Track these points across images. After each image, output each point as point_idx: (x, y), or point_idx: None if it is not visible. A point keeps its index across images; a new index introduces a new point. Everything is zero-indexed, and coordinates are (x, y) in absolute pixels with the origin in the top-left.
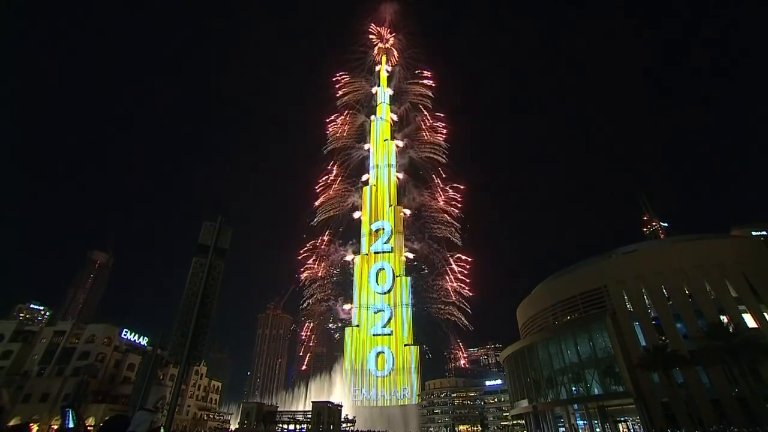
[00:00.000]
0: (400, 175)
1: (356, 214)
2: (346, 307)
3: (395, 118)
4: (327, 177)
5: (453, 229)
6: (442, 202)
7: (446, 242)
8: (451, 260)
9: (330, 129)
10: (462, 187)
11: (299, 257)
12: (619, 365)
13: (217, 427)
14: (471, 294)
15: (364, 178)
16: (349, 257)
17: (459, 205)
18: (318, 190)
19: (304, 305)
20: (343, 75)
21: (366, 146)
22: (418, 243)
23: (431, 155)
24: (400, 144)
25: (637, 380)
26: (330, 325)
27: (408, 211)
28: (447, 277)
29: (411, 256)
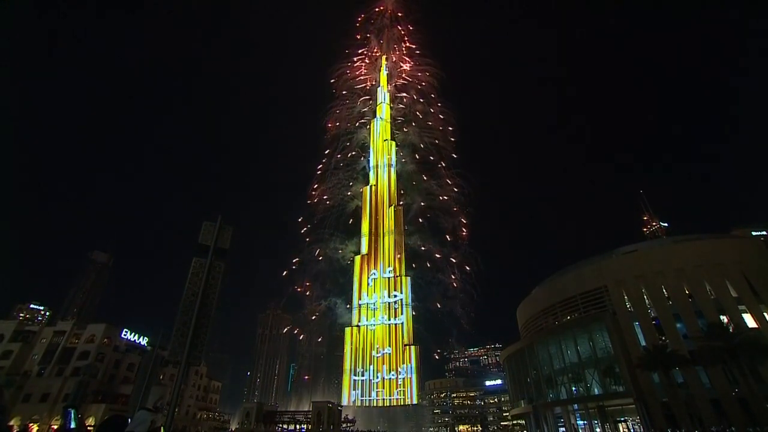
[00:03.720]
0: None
1: (355, 205)
2: (342, 306)
3: (396, 101)
4: (326, 169)
5: (458, 221)
6: (448, 193)
7: (451, 236)
8: (453, 258)
9: (329, 118)
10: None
11: (297, 259)
12: (619, 365)
13: (217, 427)
14: (476, 292)
15: (362, 163)
16: (348, 255)
17: (465, 195)
18: (316, 188)
19: (305, 308)
20: (342, 65)
21: (365, 130)
22: (420, 237)
23: (437, 142)
24: (404, 131)
25: (637, 380)
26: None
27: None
28: (450, 274)
29: (422, 248)
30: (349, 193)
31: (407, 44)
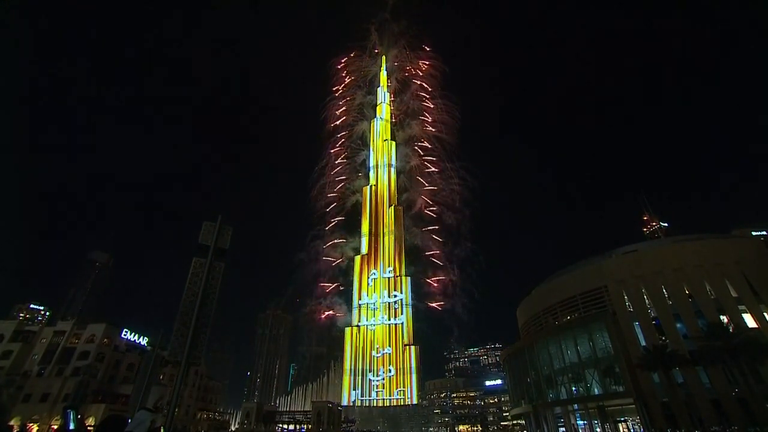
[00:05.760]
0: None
1: (355, 200)
2: (342, 306)
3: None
4: (327, 162)
5: (459, 218)
6: (450, 189)
7: (453, 234)
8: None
9: (328, 113)
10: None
11: (299, 256)
12: (619, 365)
13: (217, 427)
14: (477, 293)
15: (362, 157)
16: (348, 252)
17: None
18: (316, 184)
19: (305, 306)
20: (342, 59)
21: (365, 124)
22: (421, 235)
23: (439, 137)
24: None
25: (637, 380)
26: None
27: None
28: (451, 273)
29: (423, 246)
30: (349, 189)
31: (408, 39)
